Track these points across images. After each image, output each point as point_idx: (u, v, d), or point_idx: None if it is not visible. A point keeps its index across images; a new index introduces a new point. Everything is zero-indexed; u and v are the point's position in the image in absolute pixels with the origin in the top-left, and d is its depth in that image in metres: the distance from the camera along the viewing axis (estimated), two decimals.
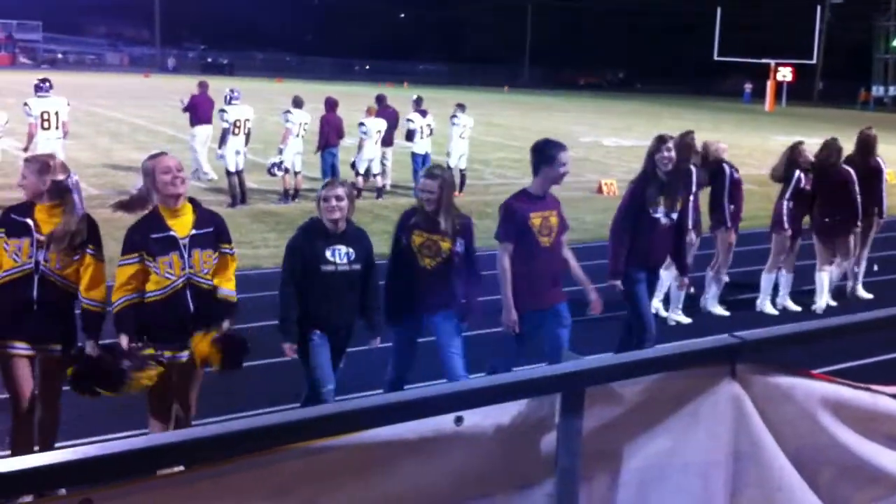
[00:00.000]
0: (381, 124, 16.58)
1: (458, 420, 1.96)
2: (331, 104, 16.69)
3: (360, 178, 16.36)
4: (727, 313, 10.07)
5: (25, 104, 13.68)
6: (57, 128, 13.56)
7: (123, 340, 5.15)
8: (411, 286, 6.33)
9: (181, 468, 1.70)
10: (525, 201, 6.57)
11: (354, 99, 17.69)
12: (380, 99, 17.52)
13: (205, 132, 17.79)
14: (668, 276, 9.49)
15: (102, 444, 1.56)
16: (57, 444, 5.66)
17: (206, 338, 5.30)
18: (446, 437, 1.96)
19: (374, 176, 16.66)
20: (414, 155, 16.94)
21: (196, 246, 5.21)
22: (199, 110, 17.71)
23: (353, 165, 16.51)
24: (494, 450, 2.04)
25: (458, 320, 6.44)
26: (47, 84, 13.86)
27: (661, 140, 7.41)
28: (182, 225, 5.21)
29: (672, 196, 7.37)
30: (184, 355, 5.32)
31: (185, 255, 5.17)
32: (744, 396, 2.24)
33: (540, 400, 2.07)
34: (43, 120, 13.41)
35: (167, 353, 5.27)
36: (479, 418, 2.00)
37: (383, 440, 1.87)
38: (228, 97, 15.90)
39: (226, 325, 5.41)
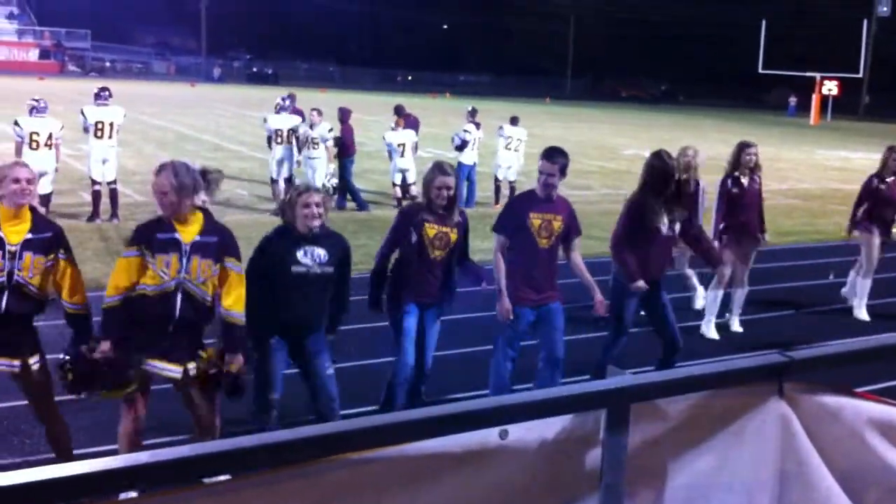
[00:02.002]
0: (405, 136, 16.52)
1: (503, 434, 1.96)
2: (346, 114, 16.69)
3: (398, 189, 16.39)
4: (717, 337, 9.51)
5: (82, 112, 13.80)
6: (111, 137, 13.67)
7: (105, 345, 5.16)
8: (417, 277, 6.54)
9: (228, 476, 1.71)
10: (527, 201, 6.80)
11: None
12: (398, 110, 17.43)
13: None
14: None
15: (151, 451, 1.58)
16: (93, 451, 5.73)
17: (205, 365, 5.38)
18: (491, 451, 1.96)
19: (411, 185, 16.57)
20: (461, 165, 16.90)
21: (196, 252, 5.23)
22: None
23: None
24: (539, 464, 2.04)
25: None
26: (106, 93, 13.97)
27: (669, 157, 7.35)
28: (188, 231, 5.25)
29: (673, 209, 7.33)
30: (175, 371, 5.31)
31: (184, 259, 5.20)
32: (791, 415, 2.21)
33: (585, 415, 2.06)
34: (97, 129, 13.54)
35: (154, 362, 5.27)
36: (524, 432, 2.00)
37: (428, 453, 1.87)
38: (278, 107, 16.04)
39: (236, 359, 5.41)
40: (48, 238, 5.32)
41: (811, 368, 2.25)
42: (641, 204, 7.27)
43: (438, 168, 6.57)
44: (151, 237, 5.19)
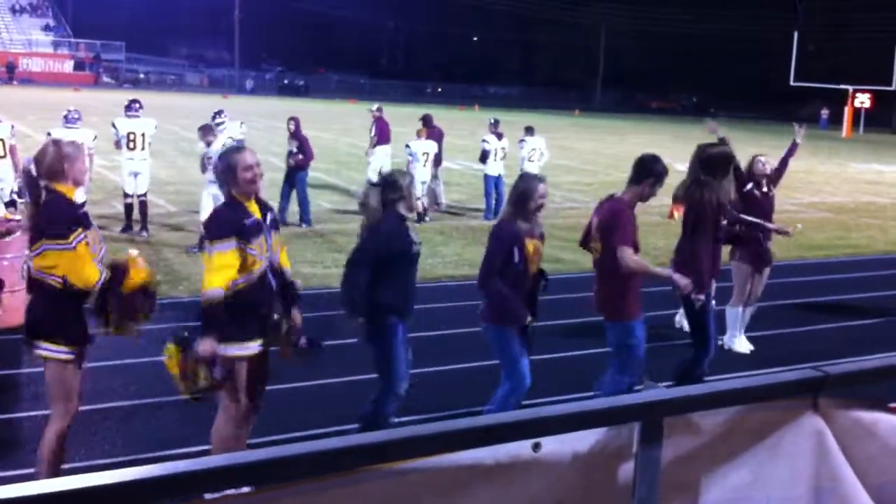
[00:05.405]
0: (428, 146, 16.56)
1: (536, 446, 1.96)
2: (298, 123, 16.33)
3: (421, 201, 16.42)
4: (747, 350, 9.29)
5: (113, 124, 13.90)
6: (143, 148, 13.72)
7: (208, 343, 5.05)
8: (521, 297, 6.19)
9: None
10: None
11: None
12: (426, 120, 17.47)
13: (384, 151, 18.53)
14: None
15: (188, 461, 1.60)
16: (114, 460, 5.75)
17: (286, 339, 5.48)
18: (524, 463, 1.97)
19: (417, 199, 16.45)
20: (486, 177, 16.94)
21: (272, 229, 5.41)
22: (383, 132, 18.47)
23: None
24: (571, 478, 2.04)
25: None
26: (137, 105, 14.06)
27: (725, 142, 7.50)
28: (254, 209, 5.34)
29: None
30: (259, 346, 5.35)
31: (268, 238, 5.33)
32: (826, 431, 2.21)
33: (618, 429, 2.07)
34: (129, 140, 13.62)
35: (257, 343, 5.32)
36: (557, 445, 2.00)
37: (463, 464, 1.88)
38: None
39: (297, 317, 5.54)
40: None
41: (846, 384, 2.24)
42: (709, 197, 7.05)
43: (536, 178, 6.34)
44: (240, 224, 5.19)
